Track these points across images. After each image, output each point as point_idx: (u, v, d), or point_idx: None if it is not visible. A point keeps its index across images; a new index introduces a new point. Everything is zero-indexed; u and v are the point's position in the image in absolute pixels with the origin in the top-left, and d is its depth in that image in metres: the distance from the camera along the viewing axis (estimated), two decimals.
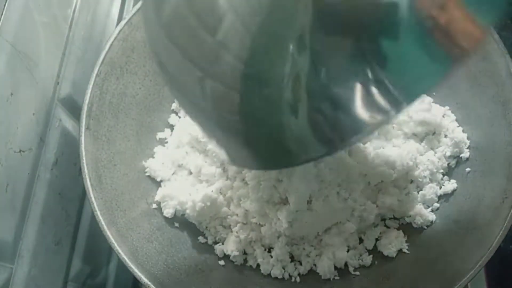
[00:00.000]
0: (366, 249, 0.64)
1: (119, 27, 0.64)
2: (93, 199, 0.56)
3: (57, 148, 0.63)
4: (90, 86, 0.61)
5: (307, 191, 0.60)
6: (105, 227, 0.55)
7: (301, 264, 0.65)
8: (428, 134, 0.68)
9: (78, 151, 0.59)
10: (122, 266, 0.75)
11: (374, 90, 0.35)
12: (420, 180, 0.65)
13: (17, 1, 0.55)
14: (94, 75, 0.62)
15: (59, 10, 0.65)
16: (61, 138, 0.63)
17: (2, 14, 0.52)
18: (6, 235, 0.53)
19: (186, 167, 0.68)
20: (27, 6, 0.57)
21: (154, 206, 0.65)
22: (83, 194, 0.69)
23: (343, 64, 0.36)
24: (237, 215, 0.64)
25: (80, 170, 0.68)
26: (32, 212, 0.57)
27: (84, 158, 0.58)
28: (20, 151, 0.55)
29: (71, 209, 0.66)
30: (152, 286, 0.53)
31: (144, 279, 0.53)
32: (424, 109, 0.67)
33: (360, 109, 0.36)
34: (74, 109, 0.67)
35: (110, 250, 0.76)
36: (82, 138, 0.59)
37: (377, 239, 0.65)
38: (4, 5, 0.52)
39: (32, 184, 0.57)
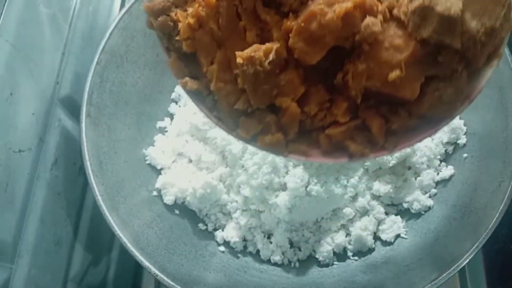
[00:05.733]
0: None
1: (119, 16, 0.64)
2: (94, 184, 0.57)
3: (57, 148, 0.62)
4: (91, 74, 0.61)
5: (305, 176, 0.60)
6: (106, 212, 0.56)
7: (300, 250, 0.65)
8: None
9: (77, 151, 0.57)
10: (122, 266, 0.76)
11: None
12: (418, 166, 0.65)
13: (17, 2, 0.55)
14: (94, 63, 0.62)
15: (58, 11, 0.64)
16: (60, 138, 0.63)
17: (2, 15, 0.52)
18: (6, 235, 0.52)
19: (186, 155, 0.68)
20: (27, 7, 0.57)
21: (155, 193, 0.65)
22: (83, 194, 0.69)
23: None
24: (236, 202, 0.65)
25: (80, 170, 0.68)
26: (31, 212, 0.57)
27: (85, 144, 0.58)
28: (19, 151, 0.55)
29: (70, 209, 0.66)
30: (154, 269, 0.53)
31: (145, 262, 0.54)
32: None
33: None
34: (73, 109, 0.66)
35: (110, 250, 0.76)
36: (83, 125, 0.59)
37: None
38: (4, 6, 0.53)
39: (31, 184, 0.57)
